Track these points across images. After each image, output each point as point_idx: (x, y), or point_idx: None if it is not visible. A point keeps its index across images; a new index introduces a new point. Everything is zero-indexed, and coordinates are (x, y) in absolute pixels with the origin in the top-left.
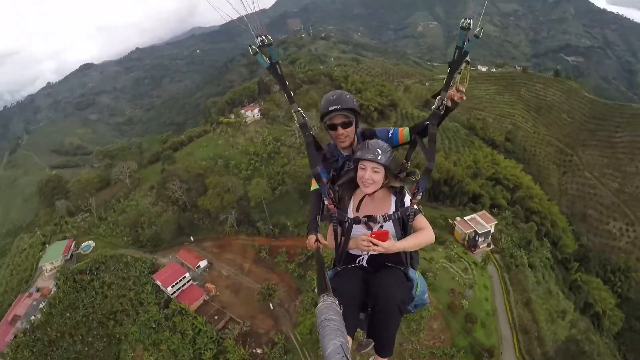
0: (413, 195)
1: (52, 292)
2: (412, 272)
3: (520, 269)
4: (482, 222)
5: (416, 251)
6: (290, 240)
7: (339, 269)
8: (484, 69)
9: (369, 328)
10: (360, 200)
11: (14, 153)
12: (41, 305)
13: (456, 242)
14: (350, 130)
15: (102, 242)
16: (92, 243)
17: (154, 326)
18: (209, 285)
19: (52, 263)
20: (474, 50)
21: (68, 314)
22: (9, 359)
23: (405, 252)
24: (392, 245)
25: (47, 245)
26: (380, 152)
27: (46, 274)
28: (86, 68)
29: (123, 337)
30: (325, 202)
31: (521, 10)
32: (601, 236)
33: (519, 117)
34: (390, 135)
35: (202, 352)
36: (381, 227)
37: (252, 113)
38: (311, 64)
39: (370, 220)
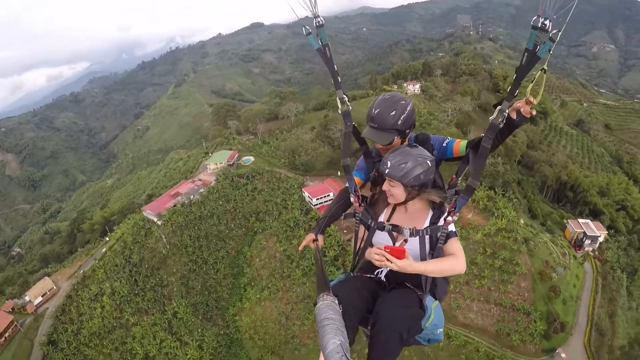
0: (448, 214)
1: (212, 183)
2: (429, 300)
3: (616, 282)
4: (593, 228)
5: (445, 280)
6: None
7: (351, 275)
8: None
9: (369, 346)
10: (393, 209)
11: (179, 86)
12: (201, 190)
13: (564, 239)
14: (390, 145)
15: (260, 159)
16: (251, 158)
17: (291, 225)
18: None
19: (216, 164)
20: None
21: (221, 202)
22: (165, 219)
23: (427, 277)
24: (409, 265)
25: (210, 154)
26: (390, 165)
27: (208, 171)
28: (256, 26)
29: (260, 230)
30: (351, 200)
31: None
32: None
33: None
34: (444, 145)
35: (327, 251)
36: (405, 241)
37: (413, 87)
38: (474, 59)
39: (395, 229)
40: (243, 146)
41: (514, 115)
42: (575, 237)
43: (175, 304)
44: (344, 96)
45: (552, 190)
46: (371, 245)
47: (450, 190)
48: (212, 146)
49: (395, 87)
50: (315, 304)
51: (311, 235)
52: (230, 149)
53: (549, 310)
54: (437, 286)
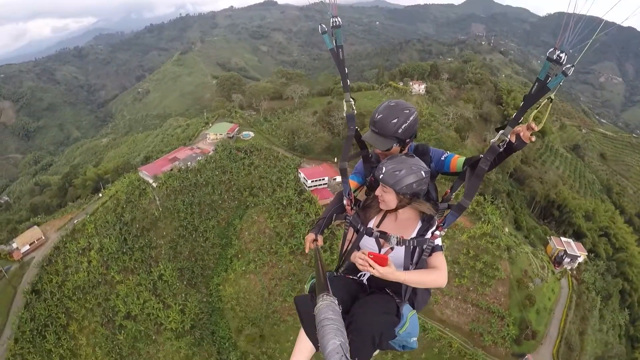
0: (436, 228)
1: (210, 153)
2: (406, 309)
3: (589, 302)
4: (574, 248)
5: (427, 291)
6: None
7: (335, 275)
8: None
9: None
10: (384, 215)
11: (184, 54)
12: (199, 158)
13: (545, 254)
14: (389, 152)
15: (260, 136)
16: (251, 133)
17: (284, 203)
18: None
19: (216, 135)
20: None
21: (217, 173)
22: (160, 182)
23: (407, 286)
24: (391, 273)
25: (210, 124)
26: (385, 171)
27: (208, 140)
28: (269, 4)
29: (252, 205)
30: (344, 202)
31: None
32: None
33: None
34: (442, 159)
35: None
36: (391, 249)
37: (418, 87)
38: (482, 69)
39: (382, 237)
40: (244, 121)
41: (513, 139)
42: (555, 254)
43: (162, 267)
44: (351, 100)
45: (539, 207)
46: (358, 248)
47: (442, 204)
48: (213, 117)
49: (402, 84)
50: (295, 301)
51: (311, 236)
52: (232, 122)
53: (522, 317)
54: (417, 296)
